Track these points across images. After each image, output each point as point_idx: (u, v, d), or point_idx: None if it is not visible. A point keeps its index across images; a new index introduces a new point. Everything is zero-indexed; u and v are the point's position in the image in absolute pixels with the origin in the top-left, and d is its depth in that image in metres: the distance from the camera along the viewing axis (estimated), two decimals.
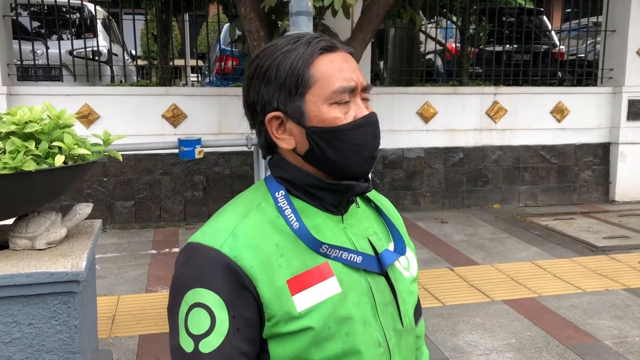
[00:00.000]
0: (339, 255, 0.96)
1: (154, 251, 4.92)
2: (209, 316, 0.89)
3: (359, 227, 1.03)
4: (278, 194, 0.98)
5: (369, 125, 0.96)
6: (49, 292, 1.94)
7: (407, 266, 1.09)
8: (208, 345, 0.89)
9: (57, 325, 1.98)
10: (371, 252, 1.01)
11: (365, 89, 0.97)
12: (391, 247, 1.07)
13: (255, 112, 0.99)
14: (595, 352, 3.14)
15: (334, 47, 0.96)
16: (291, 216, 0.95)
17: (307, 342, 0.91)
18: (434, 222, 5.92)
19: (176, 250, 4.94)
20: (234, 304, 0.89)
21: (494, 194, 6.65)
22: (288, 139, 0.97)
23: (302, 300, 0.92)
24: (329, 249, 0.95)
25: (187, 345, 0.90)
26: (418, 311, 1.17)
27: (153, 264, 4.56)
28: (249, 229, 0.93)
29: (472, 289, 4.06)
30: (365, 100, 0.98)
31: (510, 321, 3.53)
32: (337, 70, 0.94)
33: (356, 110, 0.95)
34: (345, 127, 0.94)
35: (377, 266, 1.00)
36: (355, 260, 0.97)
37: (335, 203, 1.00)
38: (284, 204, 0.97)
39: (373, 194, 1.13)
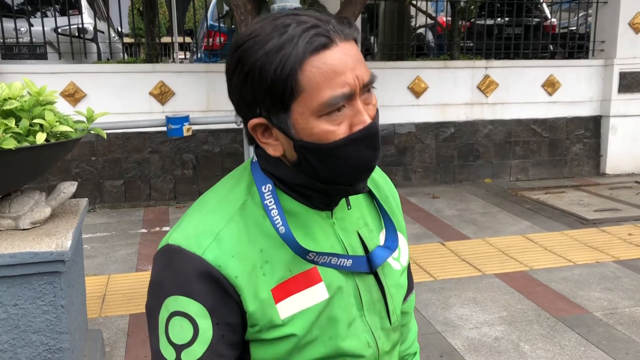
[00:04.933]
0: (327, 261, 0.91)
1: (144, 230, 4.90)
2: (192, 326, 0.85)
3: (349, 220, 0.97)
4: (265, 189, 0.89)
5: (367, 138, 0.83)
6: (33, 273, 1.91)
7: (397, 256, 1.04)
8: (191, 355, 0.85)
9: (43, 306, 1.96)
10: (361, 251, 0.96)
11: (366, 85, 0.84)
12: (382, 236, 1.01)
13: (240, 109, 0.88)
14: (586, 323, 3.16)
15: (330, 42, 0.80)
16: (277, 218, 0.87)
17: (289, 348, 0.89)
18: (426, 197, 5.91)
19: (167, 229, 4.91)
20: (217, 311, 0.85)
21: (485, 169, 6.65)
22: (275, 145, 0.87)
23: (286, 308, 0.88)
24: (317, 256, 0.89)
25: (169, 354, 0.86)
26: (409, 287, 1.13)
27: (143, 243, 4.54)
28: (234, 233, 0.87)
29: (463, 263, 4.06)
30: (368, 92, 0.86)
31: (501, 294, 3.54)
32: (330, 75, 0.79)
33: (353, 118, 0.83)
34: (339, 142, 0.82)
35: (367, 266, 0.95)
36: (345, 265, 0.92)
37: (326, 202, 0.93)
38: (271, 202, 0.88)
39: None
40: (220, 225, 0.87)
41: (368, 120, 0.83)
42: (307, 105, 0.80)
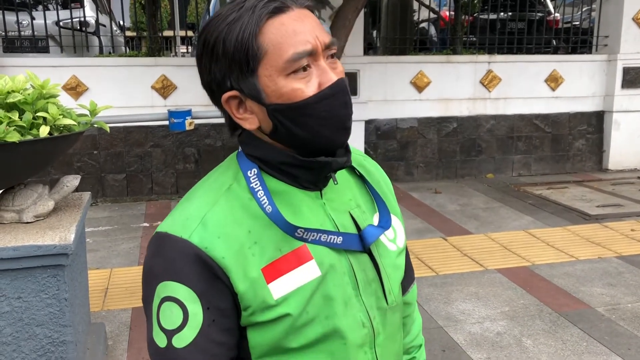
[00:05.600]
0: (317, 238, 0.90)
1: (146, 224, 4.90)
2: (181, 310, 0.85)
3: (340, 201, 0.96)
4: (250, 173, 0.91)
5: (337, 94, 0.86)
6: (37, 266, 1.91)
7: (393, 238, 1.03)
8: (181, 340, 0.85)
9: (46, 299, 1.96)
10: (353, 229, 0.95)
11: (329, 47, 0.86)
12: (376, 219, 1.00)
13: (213, 92, 0.91)
14: (588, 319, 3.16)
15: (284, 6, 0.85)
16: (263, 198, 0.88)
17: (285, 329, 0.88)
18: (428, 192, 5.90)
19: None
20: (207, 295, 0.85)
21: (488, 164, 6.64)
22: (250, 118, 0.89)
23: (279, 288, 0.87)
24: (306, 233, 0.89)
25: (160, 340, 0.87)
26: (410, 278, 1.13)
27: (145, 237, 4.54)
28: (219, 216, 0.87)
29: (465, 258, 4.06)
30: (332, 58, 0.88)
31: (503, 290, 3.54)
32: (290, 34, 0.83)
33: (320, 77, 0.85)
34: (309, 100, 0.84)
35: (359, 244, 0.94)
36: (335, 242, 0.91)
37: (312, 180, 0.92)
38: (257, 184, 0.90)
39: (358, 159, 1.06)
40: (206, 209, 0.88)
41: (335, 78, 0.86)
42: (272, 65, 0.83)
